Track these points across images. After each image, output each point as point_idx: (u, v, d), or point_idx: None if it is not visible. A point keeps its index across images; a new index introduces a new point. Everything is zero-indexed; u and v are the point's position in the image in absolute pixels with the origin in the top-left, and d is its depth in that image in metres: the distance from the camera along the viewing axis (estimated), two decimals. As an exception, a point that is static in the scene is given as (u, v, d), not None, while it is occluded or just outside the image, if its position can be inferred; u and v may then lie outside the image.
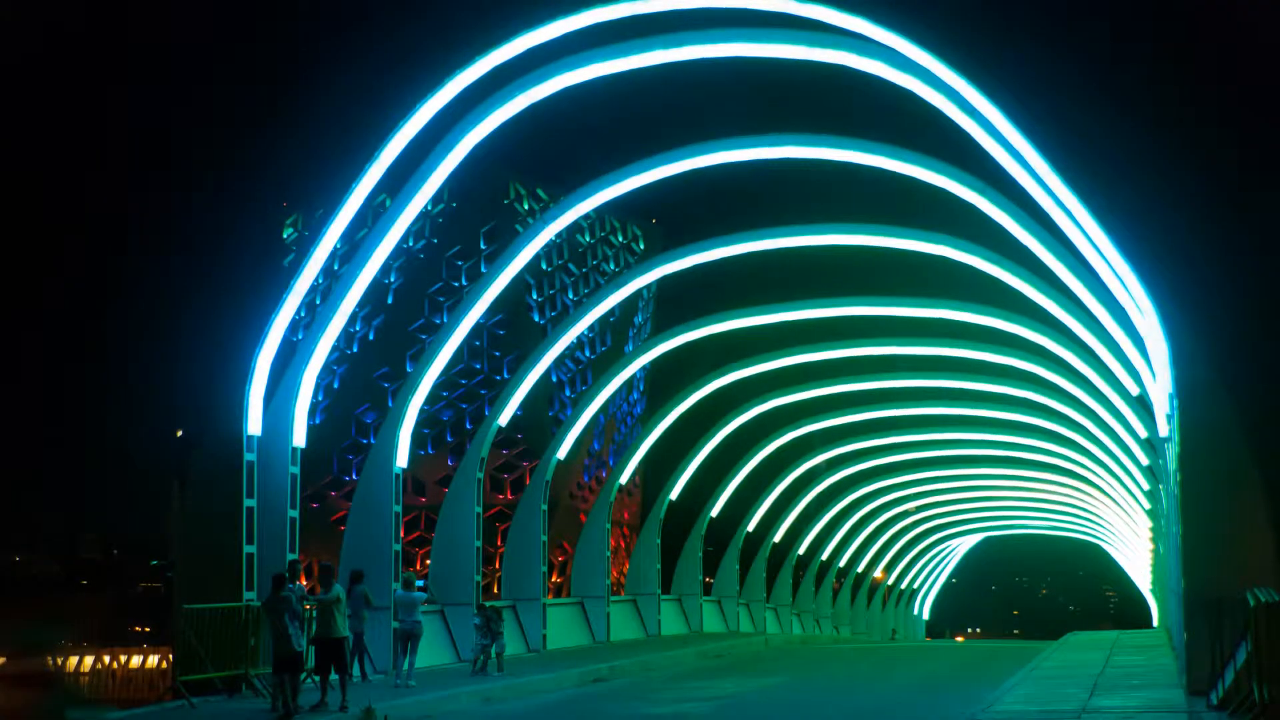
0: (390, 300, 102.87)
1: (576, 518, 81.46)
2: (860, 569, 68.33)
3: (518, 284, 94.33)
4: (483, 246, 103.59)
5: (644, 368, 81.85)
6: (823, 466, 54.61)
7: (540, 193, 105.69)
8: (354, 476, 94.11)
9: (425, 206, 27.68)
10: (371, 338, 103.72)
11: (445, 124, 25.92)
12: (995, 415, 48.70)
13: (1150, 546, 52.09)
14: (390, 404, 40.67)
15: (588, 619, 39.16)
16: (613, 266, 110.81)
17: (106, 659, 75.70)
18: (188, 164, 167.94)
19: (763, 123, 29.21)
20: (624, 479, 44.07)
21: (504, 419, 34.02)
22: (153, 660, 75.37)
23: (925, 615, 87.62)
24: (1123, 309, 25.37)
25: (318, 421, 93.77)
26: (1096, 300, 27.30)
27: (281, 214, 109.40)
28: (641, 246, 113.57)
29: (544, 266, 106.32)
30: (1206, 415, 20.66)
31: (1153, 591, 61.41)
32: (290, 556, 24.57)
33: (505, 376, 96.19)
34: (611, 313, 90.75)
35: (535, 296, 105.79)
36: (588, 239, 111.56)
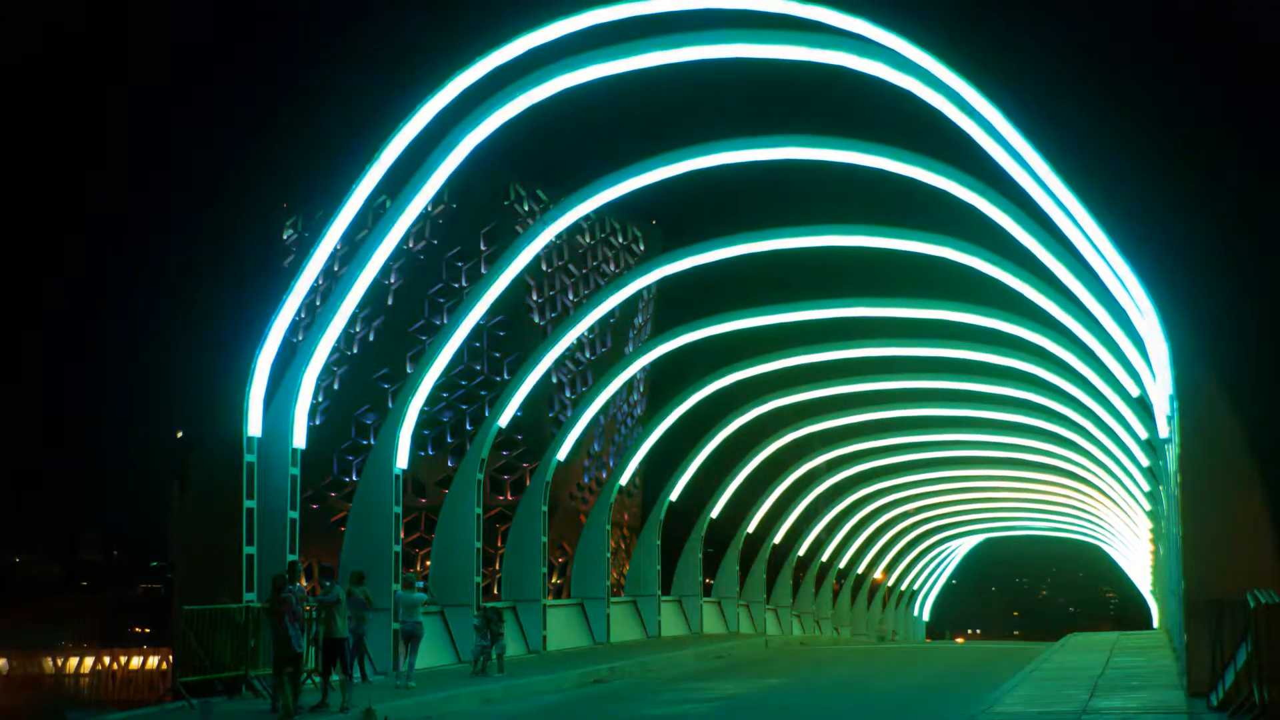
0: (390, 301, 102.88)
1: (577, 519, 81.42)
2: (860, 570, 68.31)
3: (518, 285, 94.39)
4: (483, 247, 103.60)
5: (644, 369, 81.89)
6: (823, 467, 54.63)
7: (540, 194, 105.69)
8: (354, 478, 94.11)
9: (425, 207, 27.66)
10: (371, 339, 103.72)
11: (446, 125, 25.91)
12: (995, 416, 48.70)
13: (1150, 548, 52.07)
14: (390, 405, 40.64)
15: (588, 620, 39.16)
16: (613, 268, 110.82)
17: (107, 660, 75.72)
18: (188, 164, 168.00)
19: (763, 124, 29.23)
20: (624, 480, 44.06)
21: (504, 420, 34.01)
22: (153, 661, 75.39)
23: (925, 616, 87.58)
24: (1123, 310, 25.37)
25: (317, 423, 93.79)
26: (1097, 301, 27.30)
27: (282, 215, 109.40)
28: (642, 247, 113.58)
29: (544, 268, 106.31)
30: (1206, 416, 20.66)
31: (1153, 593, 61.37)
32: (290, 558, 24.57)
33: (505, 378, 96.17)
34: (612, 314, 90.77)
35: (535, 298, 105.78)
36: (588, 240, 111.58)
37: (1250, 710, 17.10)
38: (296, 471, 25.34)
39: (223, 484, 24.16)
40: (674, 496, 45.12)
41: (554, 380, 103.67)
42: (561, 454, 36.91)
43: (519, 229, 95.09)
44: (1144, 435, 32.95)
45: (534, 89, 25.53)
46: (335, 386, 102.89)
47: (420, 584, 28.09)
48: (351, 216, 25.66)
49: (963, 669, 35.15)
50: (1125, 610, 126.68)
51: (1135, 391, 31.22)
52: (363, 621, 24.46)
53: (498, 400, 34.64)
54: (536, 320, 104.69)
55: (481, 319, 32.95)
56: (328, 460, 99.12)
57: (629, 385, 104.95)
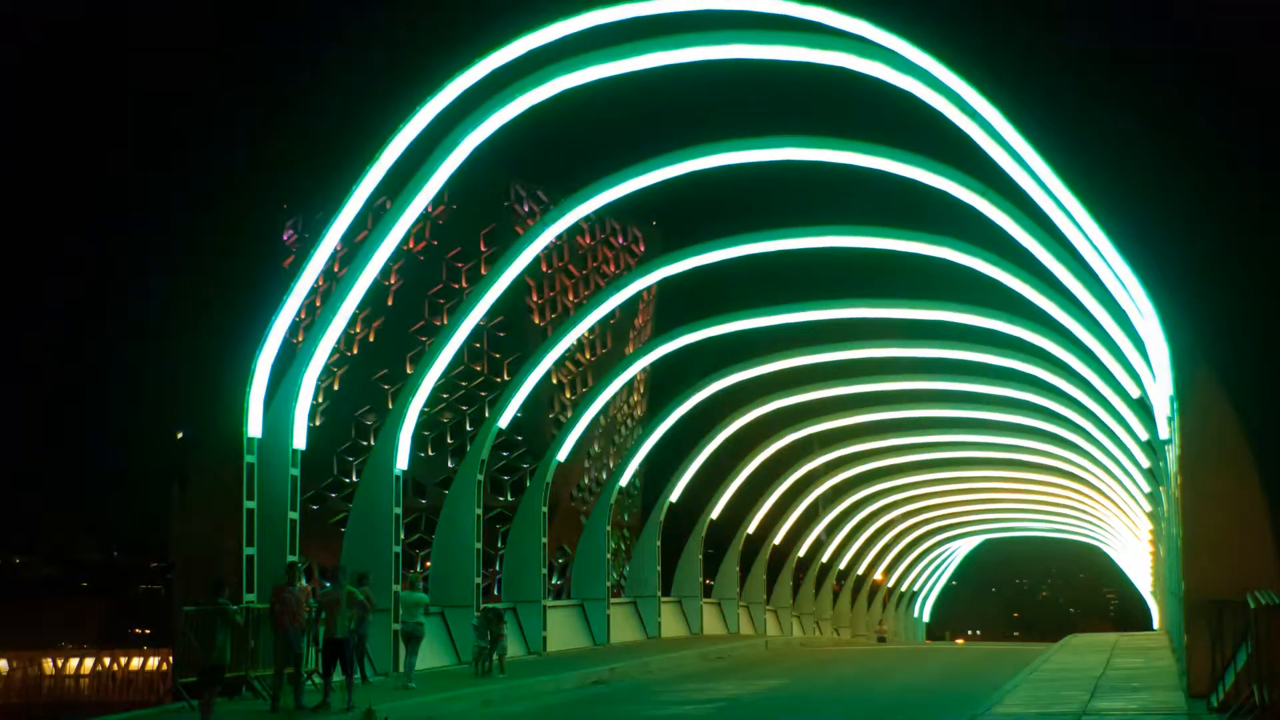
0: (390, 302, 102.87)
1: (577, 520, 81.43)
2: (860, 571, 68.30)
3: (518, 286, 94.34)
4: (483, 248, 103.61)
5: (644, 369, 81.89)
6: (821, 468, 54.52)
7: (541, 194, 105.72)
8: (354, 478, 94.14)
9: (425, 208, 27.64)
10: (371, 339, 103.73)
11: (446, 125, 25.89)
12: (995, 417, 48.71)
13: (1151, 549, 52.07)
14: (390, 406, 40.64)
15: (588, 621, 39.15)
16: (613, 268, 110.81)
17: (107, 661, 75.67)
18: (188, 164, 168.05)
19: (763, 125, 29.21)
20: (624, 481, 44.05)
21: (504, 421, 34.00)
22: (153, 662, 75.35)
23: (925, 617, 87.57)
24: (1123, 311, 25.36)
25: (318, 423, 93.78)
26: (1097, 302, 27.30)
27: (282, 215, 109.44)
28: (642, 248, 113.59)
29: (544, 268, 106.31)
30: (1206, 417, 20.65)
31: (1153, 594, 61.36)
32: (290, 558, 24.55)
33: (505, 379, 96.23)
34: (612, 315, 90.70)
35: (535, 299, 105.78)
36: (588, 241, 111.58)
37: (1251, 711, 17.10)
38: (297, 472, 25.32)
39: (223, 485, 24.14)
40: (674, 497, 45.12)
41: (554, 381, 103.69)
42: (562, 455, 36.90)
43: (519, 230, 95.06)
44: (1144, 436, 32.95)
45: (534, 89, 25.52)
46: (335, 387, 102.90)
47: (421, 585, 28.09)
48: (352, 217, 25.63)
49: (962, 670, 35.15)
50: (1125, 611, 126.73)
51: (1135, 393, 31.22)
52: (364, 622, 24.45)
53: (498, 401, 34.63)
54: (537, 321, 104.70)
55: (481, 320, 32.90)
56: (328, 461, 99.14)
57: (629, 386, 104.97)
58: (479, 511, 31.61)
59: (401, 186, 26.16)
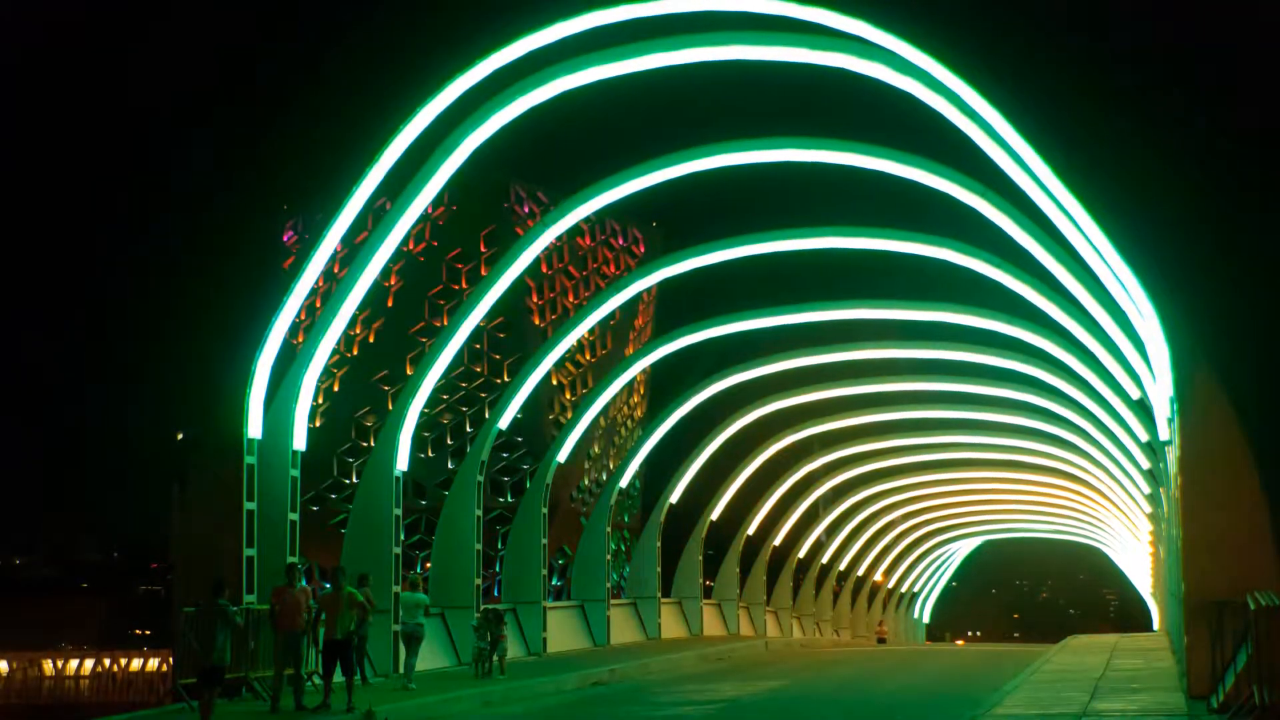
0: (390, 303, 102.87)
1: (577, 521, 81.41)
2: (860, 572, 68.29)
3: (518, 287, 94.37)
4: (483, 249, 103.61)
5: (644, 370, 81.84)
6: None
7: (541, 195, 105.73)
8: (354, 479, 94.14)
9: (425, 209, 27.63)
10: (371, 340, 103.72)
11: (446, 126, 25.88)
12: (995, 418, 48.71)
13: (1150, 550, 52.07)
14: (390, 407, 40.65)
15: (588, 622, 39.14)
16: (613, 269, 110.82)
17: (107, 662, 75.66)
18: (188, 165, 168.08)
19: (763, 126, 29.22)
20: (624, 482, 44.07)
21: (504, 422, 34.00)
22: (153, 663, 75.33)
23: (925, 619, 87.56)
24: (1123, 312, 25.36)
25: (317, 424, 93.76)
26: (1097, 303, 27.30)
27: (282, 216, 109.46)
28: (642, 249, 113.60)
29: (544, 269, 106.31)
30: (1206, 418, 20.65)
31: (1153, 595, 61.35)
32: (290, 559, 24.55)
33: (505, 380, 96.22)
34: (612, 316, 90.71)
35: (536, 300, 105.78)
36: (588, 242, 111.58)
37: (1251, 712, 17.10)
38: (296, 473, 25.32)
39: (223, 485, 24.14)
40: (674, 498, 45.12)
41: (554, 382, 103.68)
42: (562, 456, 36.89)
43: (519, 230, 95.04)
44: (1144, 437, 32.95)
45: (534, 90, 25.51)
46: (335, 388, 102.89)
47: (421, 586, 28.06)
48: (352, 218, 25.64)
49: (962, 671, 35.14)
50: (1125, 612, 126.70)
51: (1135, 394, 31.22)
52: (364, 623, 24.44)
53: (498, 402, 34.63)
54: (537, 322, 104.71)
55: (482, 321, 32.90)
56: (328, 462, 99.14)
57: (629, 387, 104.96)
58: (479, 512, 31.60)
59: (401, 187, 26.16)
